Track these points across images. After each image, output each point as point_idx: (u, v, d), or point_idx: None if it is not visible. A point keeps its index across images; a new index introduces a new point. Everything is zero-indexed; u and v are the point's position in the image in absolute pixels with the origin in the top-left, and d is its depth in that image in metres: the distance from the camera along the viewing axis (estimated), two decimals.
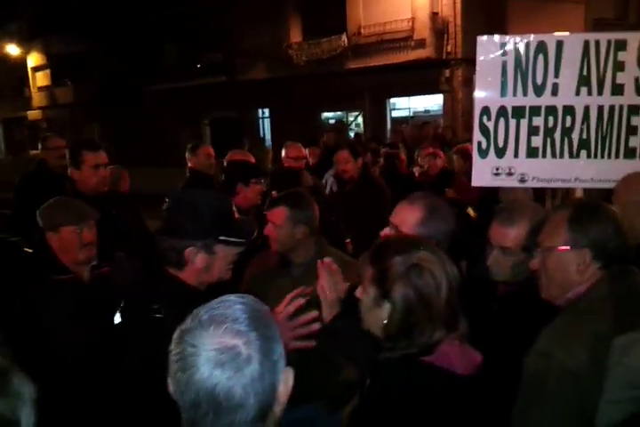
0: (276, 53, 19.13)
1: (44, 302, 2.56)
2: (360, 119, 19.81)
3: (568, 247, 1.75)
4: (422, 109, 18.48)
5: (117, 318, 1.90)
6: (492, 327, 2.00)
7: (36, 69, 33.27)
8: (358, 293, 1.67)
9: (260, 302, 1.19)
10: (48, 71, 32.03)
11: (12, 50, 31.85)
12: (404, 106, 18.94)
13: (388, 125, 18.53)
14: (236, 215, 1.98)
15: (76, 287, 2.69)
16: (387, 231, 2.24)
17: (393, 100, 18.81)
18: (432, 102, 17.78)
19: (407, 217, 2.19)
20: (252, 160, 4.74)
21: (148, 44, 23.42)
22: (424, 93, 17.32)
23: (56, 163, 4.64)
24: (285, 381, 1.12)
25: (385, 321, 1.56)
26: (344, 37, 17.40)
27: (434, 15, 15.72)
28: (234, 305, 1.12)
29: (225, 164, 4.63)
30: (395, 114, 18.96)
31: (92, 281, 2.78)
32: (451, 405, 1.50)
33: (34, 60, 33.08)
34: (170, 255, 1.86)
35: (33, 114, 34.67)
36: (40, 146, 4.99)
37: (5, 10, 31.75)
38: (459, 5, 15.48)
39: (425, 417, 1.47)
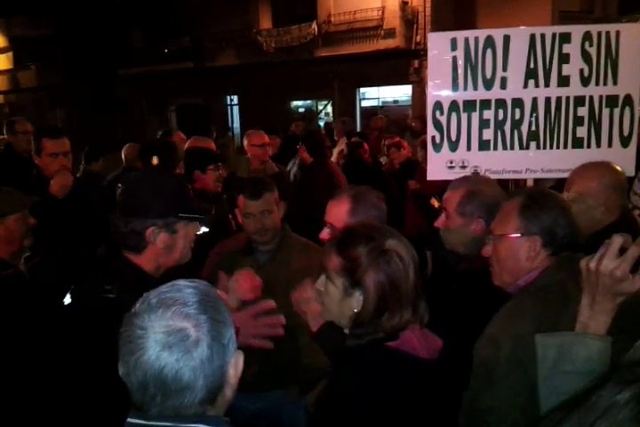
0: (245, 40, 18.95)
1: None
2: (329, 108, 19.78)
3: (519, 235, 1.79)
4: (391, 100, 18.55)
5: (67, 300, 1.86)
6: (452, 307, 2.07)
7: None
8: (319, 284, 1.67)
9: (210, 286, 1.20)
10: (10, 54, 31.19)
11: None
12: (373, 96, 18.97)
13: (358, 115, 18.55)
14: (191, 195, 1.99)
15: (19, 282, 2.63)
16: (325, 233, 2.29)
17: (362, 89, 18.81)
18: (401, 93, 17.84)
19: (337, 212, 2.26)
20: (212, 147, 4.71)
21: (116, 28, 22.95)
22: (393, 84, 17.35)
23: (23, 147, 4.59)
24: (235, 364, 1.14)
25: (356, 310, 1.57)
26: (314, 25, 17.29)
27: (404, 4, 15.71)
28: (184, 289, 1.14)
29: (184, 151, 4.60)
30: (364, 104, 18.98)
31: (31, 273, 2.75)
32: (416, 389, 1.53)
33: None
34: (129, 238, 1.84)
35: None
36: (5, 130, 4.91)
37: None
38: None
39: (391, 402, 1.48)
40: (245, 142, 5.18)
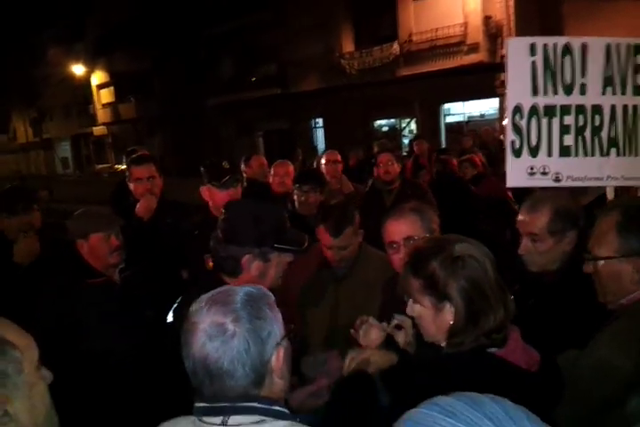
0: (328, 63, 19.30)
1: (83, 302, 2.72)
2: (413, 125, 19.73)
3: (619, 256, 1.73)
4: (478, 114, 18.24)
5: (170, 318, 2.01)
6: (528, 322, 2.02)
7: (100, 87, 34.76)
8: (409, 311, 1.67)
9: (263, 290, 1.34)
10: (112, 88, 33.40)
11: (78, 69, 33.36)
12: (458, 111, 18.75)
13: (442, 131, 18.39)
14: (288, 225, 2.05)
15: (109, 288, 2.88)
16: (399, 256, 2.29)
17: (447, 105, 18.65)
18: (487, 106, 17.53)
19: (404, 230, 2.29)
20: (290, 170, 4.83)
21: (206, 59, 24.11)
22: (478, 98, 17.09)
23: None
24: (277, 356, 1.26)
25: (451, 322, 1.57)
26: (396, 45, 17.41)
27: (486, 19, 15.53)
28: (233, 291, 1.30)
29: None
30: (449, 119, 18.78)
31: (123, 282, 2.96)
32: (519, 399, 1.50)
33: (98, 78, 34.56)
34: (226, 263, 1.95)
35: (98, 130, 36.20)
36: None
37: (71, 31, 33.42)
38: (512, 8, 15.24)
39: None
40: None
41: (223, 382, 1.20)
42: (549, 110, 2.81)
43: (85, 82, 34.59)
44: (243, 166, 5.48)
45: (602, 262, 1.79)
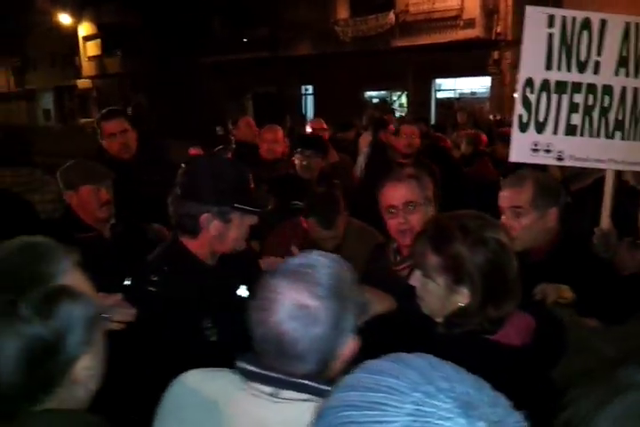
0: (321, 29, 19.04)
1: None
2: (404, 99, 19.63)
3: None
4: (468, 91, 18.20)
5: (127, 281, 1.94)
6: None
7: (86, 39, 33.87)
8: (413, 280, 1.62)
9: (347, 269, 1.27)
10: (98, 41, 32.56)
11: (64, 19, 32.40)
12: (449, 87, 18.68)
13: (433, 106, 18.34)
14: (252, 186, 1.97)
15: (99, 244, 2.81)
16: (397, 220, 2.31)
17: (438, 80, 18.56)
18: (479, 84, 17.48)
19: (404, 194, 2.31)
20: (280, 135, 4.81)
21: (198, 17, 23.55)
22: (471, 75, 17.05)
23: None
24: (348, 346, 1.22)
25: (461, 304, 1.52)
26: (391, 15, 17.21)
27: None
28: (321, 267, 1.22)
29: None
30: (440, 95, 18.72)
31: (114, 238, 2.90)
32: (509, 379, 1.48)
33: (85, 29, 33.67)
34: (184, 221, 1.87)
35: (82, 83, 35.40)
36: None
37: None
38: None
39: None
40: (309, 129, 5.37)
41: (291, 361, 1.17)
42: (561, 87, 2.76)
43: (72, 32, 33.68)
44: (231, 129, 5.46)
45: None
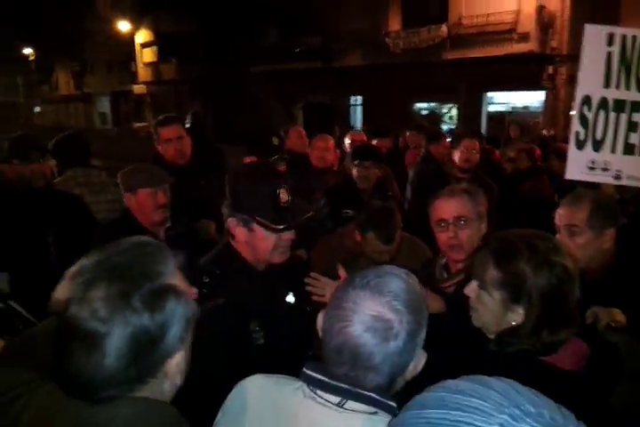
0: (373, 41, 19.05)
1: None
2: (454, 112, 19.46)
3: None
4: (521, 105, 17.88)
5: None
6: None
7: (143, 46, 34.77)
8: (469, 291, 1.62)
9: (417, 285, 1.27)
10: (155, 48, 33.38)
11: (123, 26, 33.41)
12: (501, 100, 18.41)
13: (484, 119, 18.11)
14: (285, 201, 1.95)
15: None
16: (447, 234, 2.29)
17: (490, 94, 18.32)
18: (532, 99, 17.16)
19: (455, 209, 2.29)
20: (331, 145, 4.83)
21: (251, 26, 23.92)
22: (523, 89, 16.75)
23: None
24: (417, 362, 1.23)
25: (515, 323, 1.51)
26: (444, 27, 17.09)
27: (540, 8, 15.14)
28: (397, 281, 1.22)
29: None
30: (491, 108, 18.47)
31: (167, 241, 2.92)
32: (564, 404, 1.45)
33: (142, 36, 34.57)
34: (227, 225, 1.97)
35: (138, 88, 36.33)
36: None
37: None
38: None
39: None
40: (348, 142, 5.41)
41: (364, 373, 1.17)
42: (619, 105, 2.74)
43: (129, 39, 34.67)
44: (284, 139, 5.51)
45: None
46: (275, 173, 2.03)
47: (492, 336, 1.58)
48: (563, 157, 5.93)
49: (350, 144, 5.33)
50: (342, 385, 1.18)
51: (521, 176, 5.88)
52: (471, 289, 1.60)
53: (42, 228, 3.21)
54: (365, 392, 1.17)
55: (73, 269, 1.03)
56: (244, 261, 1.96)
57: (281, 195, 1.92)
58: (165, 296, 1.03)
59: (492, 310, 1.55)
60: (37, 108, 51.81)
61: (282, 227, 1.91)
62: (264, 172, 2.04)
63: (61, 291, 1.00)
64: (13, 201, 3.19)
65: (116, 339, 0.96)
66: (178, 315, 1.04)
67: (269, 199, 1.91)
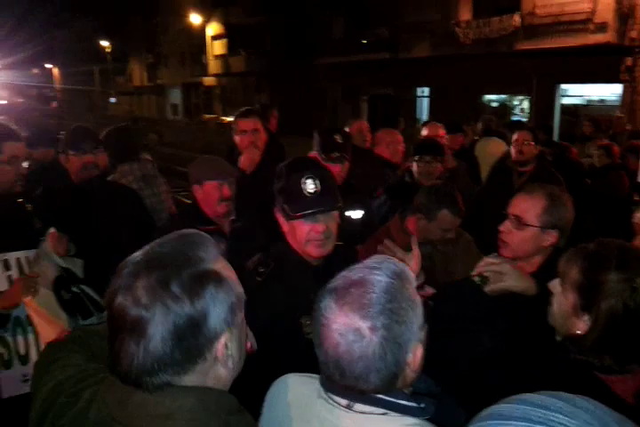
0: (442, 31, 18.70)
1: None
2: (525, 104, 18.88)
3: None
4: (597, 98, 17.13)
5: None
6: None
7: (214, 38, 35.47)
8: (552, 285, 1.62)
9: (409, 278, 1.24)
10: (225, 40, 33.99)
11: (195, 19, 34.16)
12: (576, 93, 17.70)
13: (557, 113, 17.49)
14: (313, 191, 1.94)
15: (217, 238, 2.97)
16: (507, 224, 2.17)
17: (564, 86, 17.66)
18: (608, 92, 16.41)
19: (528, 207, 2.14)
20: (399, 138, 4.78)
21: (318, 18, 23.97)
22: (599, 82, 16.02)
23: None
24: (414, 354, 1.19)
25: (579, 331, 1.49)
26: (517, 17, 16.57)
27: None
28: (373, 285, 1.17)
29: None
30: (565, 101, 17.78)
31: (232, 234, 3.03)
32: None
33: (213, 29, 35.27)
34: None
35: (208, 80, 37.17)
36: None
37: None
38: None
39: None
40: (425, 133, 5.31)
41: (356, 381, 1.16)
42: None
43: (201, 32, 35.43)
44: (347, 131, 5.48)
45: None
46: (309, 163, 2.05)
47: (558, 338, 1.59)
48: (638, 153, 5.74)
49: (427, 136, 5.12)
50: (347, 388, 1.18)
51: (596, 173, 5.69)
52: (555, 284, 1.61)
53: (114, 218, 3.38)
54: (371, 395, 1.17)
55: (123, 262, 1.10)
56: (297, 255, 1.99)
57: (307, 184, 1.93)
58: (205, 281, 1.07)
59: (562, 308, 1.56)
60: (113, 99, 53.80)
61: (296, 214, 1.91)
62: (300, 161, 2.08)
63: (112, 283, 1.08)
64: (81, 192, 3.36)
65: (159, 324, 1.02)
66: (219, 299, 1.08)
67: (294, 187, 1.93)
